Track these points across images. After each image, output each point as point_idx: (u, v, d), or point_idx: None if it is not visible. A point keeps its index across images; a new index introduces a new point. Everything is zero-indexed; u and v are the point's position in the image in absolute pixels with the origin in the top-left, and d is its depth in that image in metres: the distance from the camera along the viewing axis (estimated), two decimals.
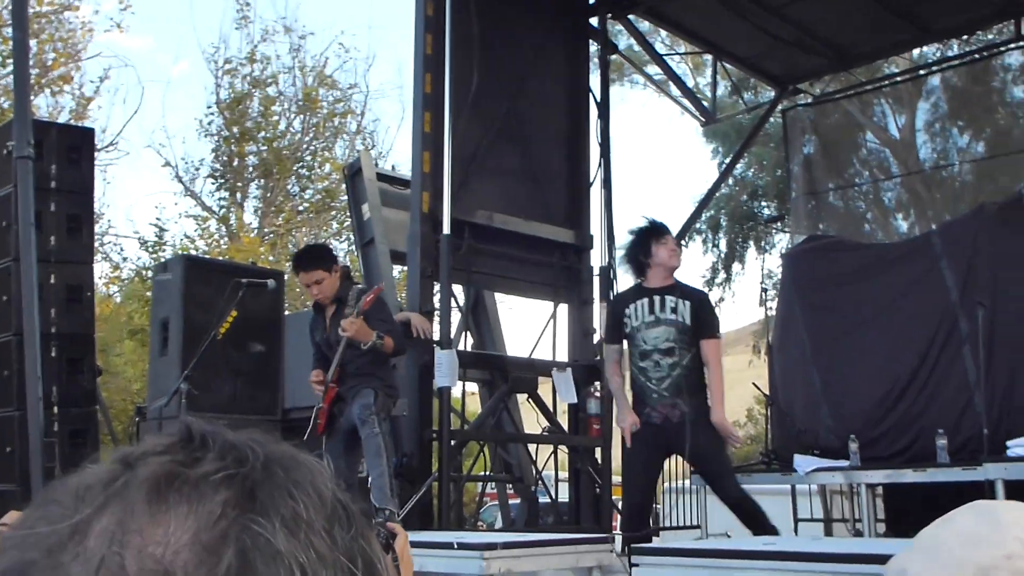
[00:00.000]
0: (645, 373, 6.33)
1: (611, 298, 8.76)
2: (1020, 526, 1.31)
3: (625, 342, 6.56)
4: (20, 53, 6.15)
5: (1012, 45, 11.77)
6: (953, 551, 1.28)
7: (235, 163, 24.00)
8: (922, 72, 13.60)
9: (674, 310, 6.30)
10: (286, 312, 9.09)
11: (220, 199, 24.38)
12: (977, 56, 12.42)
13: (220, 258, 19.21)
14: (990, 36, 12.66)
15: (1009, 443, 6.33)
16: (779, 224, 12.98)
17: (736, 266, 23.36)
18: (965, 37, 12.62)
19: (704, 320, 6.33)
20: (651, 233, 6.48)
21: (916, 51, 14.48)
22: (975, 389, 7.06)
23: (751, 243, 23.12)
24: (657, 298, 6.36)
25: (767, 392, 9.08)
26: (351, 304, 6.43)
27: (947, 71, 13.24)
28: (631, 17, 10.87)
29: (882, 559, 3.08)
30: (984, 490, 6.12)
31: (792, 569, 3.15)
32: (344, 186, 13.48)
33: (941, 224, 9.21)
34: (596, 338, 8.94)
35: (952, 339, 7.50)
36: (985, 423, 6.46)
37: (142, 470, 0.74)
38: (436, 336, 7.75)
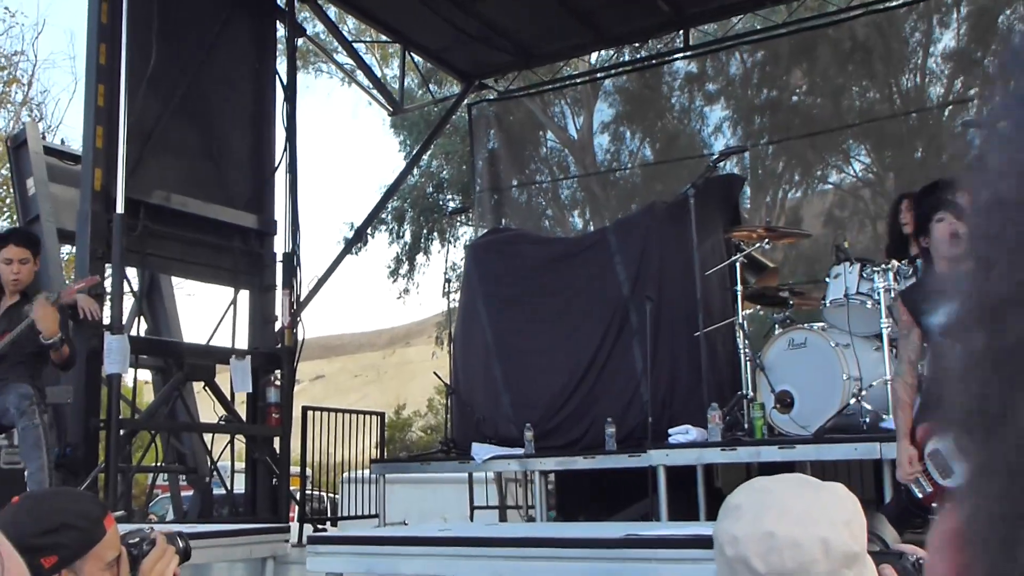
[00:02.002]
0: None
1: (293, 285, 8.67)
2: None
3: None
4: None
5: (679, 55, 12.56)
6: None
7: None
8: (599, 76, 14.23)
9: None
10: None
11: None
12: (647, 64, 13.13)
13: None
14: (660, 45, 13.40)
15: (670, 431, 6.71)
16: (463, 216, 13.25)
17: (420, 257, 23.61)
18: (637, 44, 13.30)
19: None
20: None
21: (595, 55, 15.15)
22: (641, 379, 7.45)
23: (435, 235, 23.45)
24: None
25: (448, 382, 9.22)
26: (39, 299, 5.99)
27: (622, 76, 13.93)
28: (319, 1, 10.75)
29: (549, 542, 3.22)
30: (647, 476, 6.48)
31: (464, 554, 3.21)
32: (7, 159, 12.57)
33: (615, 221, 9.66)
34: (277, 325, 8.81)
35: (624, 332, 7.87)
36: (650, 412, 6.83)
37: None
38: (106, 320, 7.36)
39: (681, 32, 11.79)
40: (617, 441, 7.07)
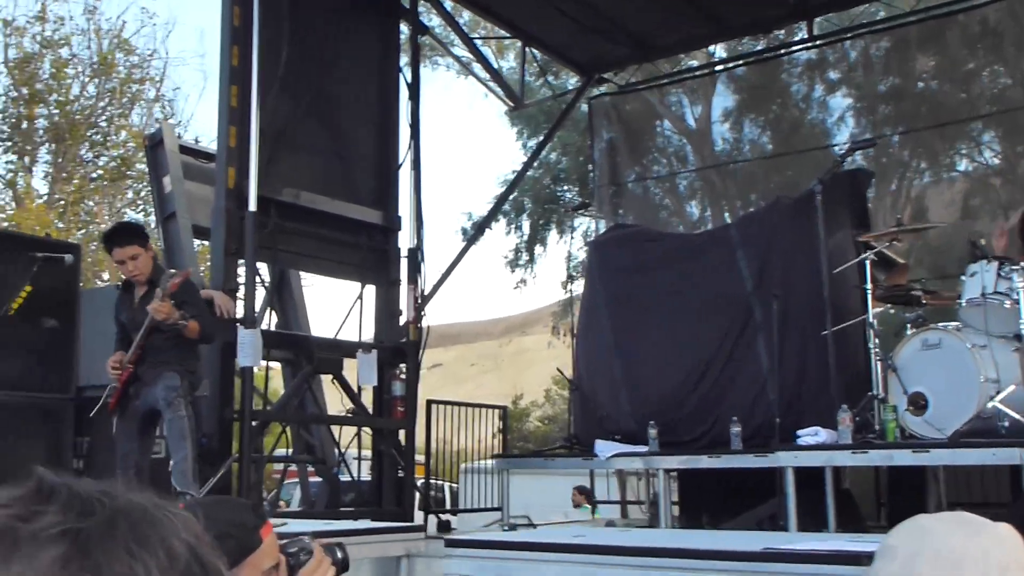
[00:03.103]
0: None
1: (417, 280, 8.77)
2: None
3: None
4: None
5: (802, 46, 12.31)
6: None
7: (24, 125, 22.79)
8: (719, 69, 14.05)
9: None
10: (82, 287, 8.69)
11: (7, 162, 23.19)
12: (769, 56, 12.91)
13: (11, 229, 18.19)
14: (781, 34, 13.17)
15: (799, 432, 6.60)
16: (586, 209, 13.23)
17: (538, 248, 23.67)
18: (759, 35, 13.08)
19: None
20: None
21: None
22: (768, 378, 7.34)
23: (553, 226, 23.47)
24: None
25: (570, 377, 9.22)
26: (164, 285, 6.19)
27: (741, 66, 13.73)
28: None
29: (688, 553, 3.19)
30: (773, 476, 6.39)
31: (600, 563, 3.21)
32: (144, 156, 12.97)
33: (739, 217, 9.54)
34: (402, 319, 8.91)
35: (747, 328, 7.78)
36: (777, 411, 6.72)
37: None
38: (239, 315, 7.54)
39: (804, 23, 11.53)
40: (742, 440, 6.98)
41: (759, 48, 13.50)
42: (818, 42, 11.81)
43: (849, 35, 11.74)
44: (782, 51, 12.74)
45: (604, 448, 7.75)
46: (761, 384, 7.49)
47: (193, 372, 6.45)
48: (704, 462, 7.06)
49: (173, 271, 6.39)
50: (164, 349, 6.31)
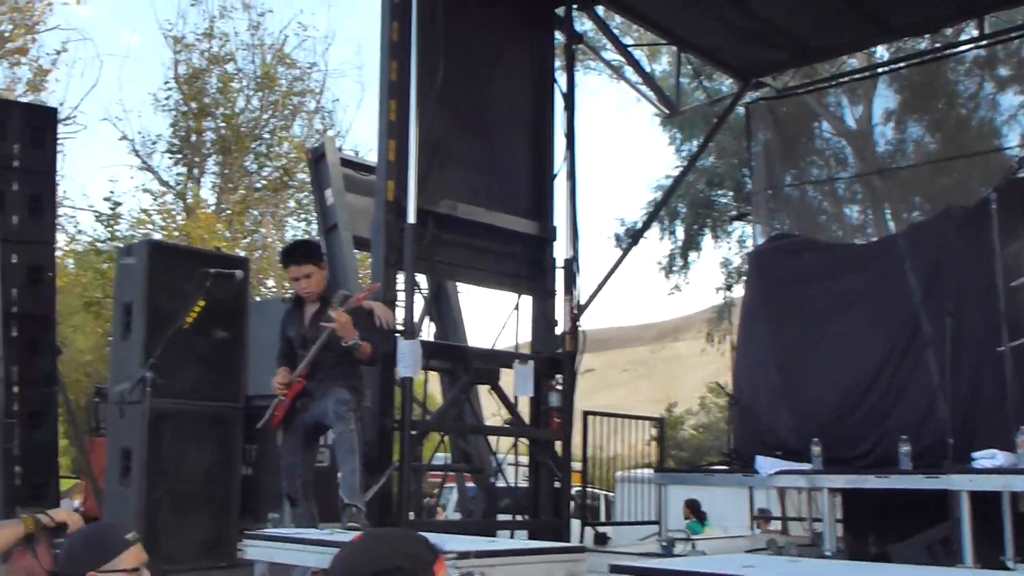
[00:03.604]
0: None
1: (573, 291, 8.73)
2: None
3: None
4: None
5: (972, 45, 11.81)
6: None
7: (193, 139, 23.69)
8: (881, 71, 13.62)
9: None
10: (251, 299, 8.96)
11: (177, 174, 24.13)
12: (938, 55, 12.44)
13: (184, 242, 18.92)
14: (947, 31, 12.68)
15: (975, 455, 6.30)
16: (743, 218, 13.01)
17: (692, 253, 23.41)
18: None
19: None
20: None
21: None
22: (938, 394, 7.05)
23: (708, 231, 23.17)
24: None
25: (730, 391, 9.05)
26: (335, 304, 6.32)
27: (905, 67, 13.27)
28: (596, 8, 10.75)
29: None
30: (947, 498, 6.12)
31: None
32: (306, 166, 13.30)
33: (907, 226, 9.19)
34: (558, 330, 8.88)
35: (915, 342, 7.48)
36: (949, 431, 6.44)
37: None
38: (399, 325, 7.63)
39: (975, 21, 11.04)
40: (912, 460, 6.71)
41: (923, 46, 13.02)
42: (988, 40, 11.29)
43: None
44: (948, 50, 12.23)
45: (766, 465, 7.56)
46: (931, 401, 7.19)
47: (358, 389, 6.56)
48: (871, 482, 6.81)
49: (347, 292, 6.51)
50: (331, 366, 6.45)
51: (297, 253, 6.71)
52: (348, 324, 6.23)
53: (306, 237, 20.44)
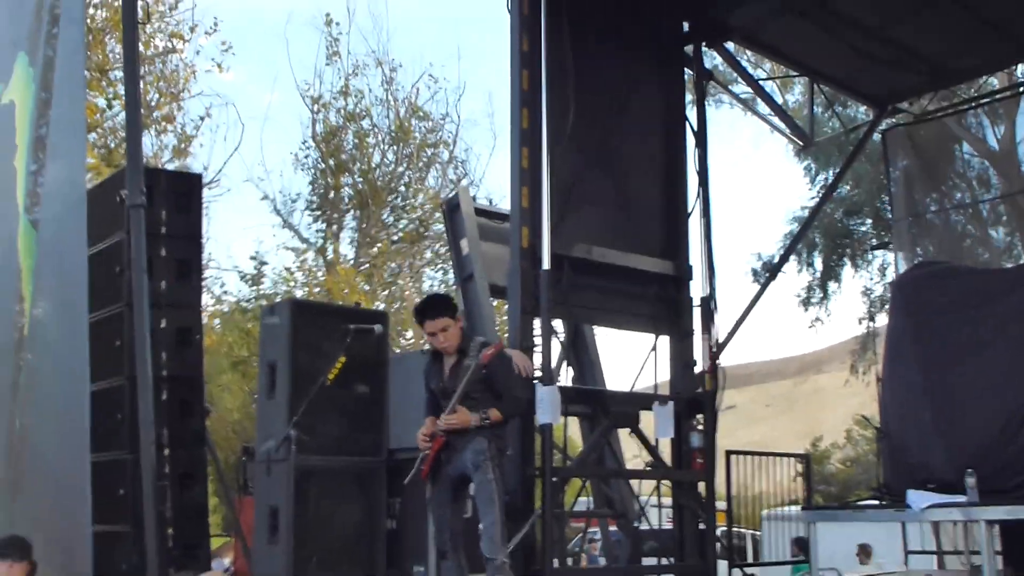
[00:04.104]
0: None
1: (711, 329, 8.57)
2: None
3: None
4: (132, 105, 6.41)
5: None
6: None
7: (331, 195, 24.26)
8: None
9: None
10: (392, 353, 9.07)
11: (317, 231, 24.76)
12: None
13: (326, 299, 19.33)
14: None
15: None
16: (884, 247, 12.68)
17: (832, 284, 22.86)
18: None
19: None
20: None
21: None
22: None
23: (847, 261, 22.61)
24: None
25: (878, 424, 8.75)
26: (472, 355, 6.33)
27: None
28: (726, 45, 10.63)
29: None
30: None
31: None
32: (442, 218, 13.45)
33: None
34: (697, 369, 8.72)
35: None
36: None
37: None
38: (537, 372, 7.59)
39: None
40: None
41: None
42: None
43: None
44: None
45: (918, 499, 7.28)
46: None
47: (500, 437, 6.53)
48: None
49: (484, 339, 6.50)
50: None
51: (431, 308, 6.73)
52: (463, 421, 6.25)
53: (439, 292, 20.67)
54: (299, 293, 21.24)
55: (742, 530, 14.66)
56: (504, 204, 10.27)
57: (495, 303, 11.03)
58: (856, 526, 12.61)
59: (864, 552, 12.22)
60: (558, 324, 9.13)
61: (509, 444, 6.81)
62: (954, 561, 9.21)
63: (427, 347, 6.97)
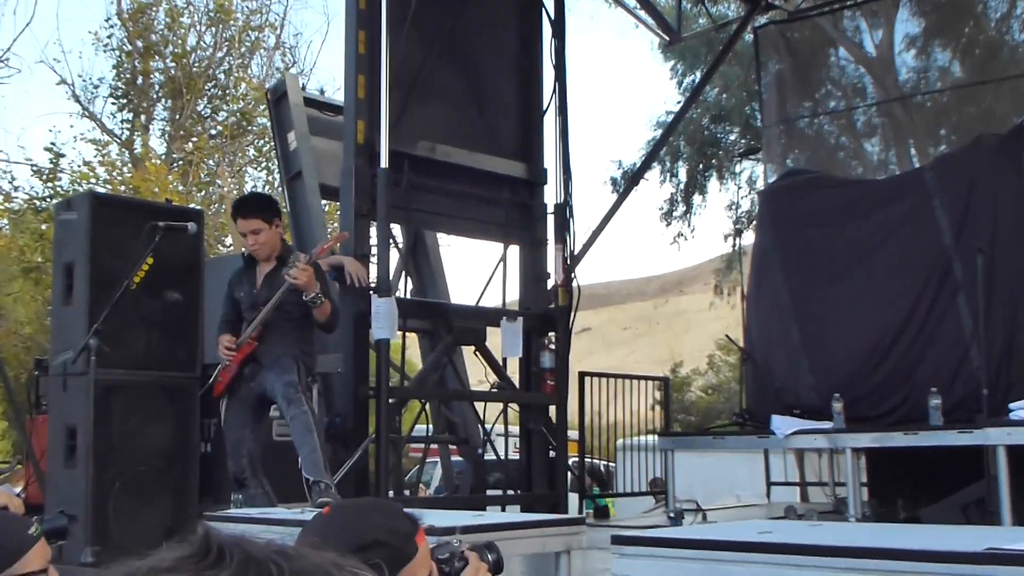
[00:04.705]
0: None
1: (566, 239, 8.66)
2: None
3: None
4: None
5: None
6: None
7: (139, 81, 23.50)
8: None
9: None
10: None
11: (123, 121, 23.97)
12: None
13: (132, 196, 18.79)
14: None
15: (1012, 405, 6.32)
16: (752, 154, 12.95)
17: (696, 197, 23.34)
18: None
19: None
20: None
21: None
22: (971, 342, 7.05)
23: (713, 172, 23.10)
24: None
25: (742, 345, 9.04)
26: (290, 266, 6.24)
27: None
28: None
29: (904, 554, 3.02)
30: (982, 456, 6.13)
31: (792, 564, 3.08)
32: (266, 110, 13.16)
33: (934, 159, 9.15)
34: (550, 283, 8.83)
35: (946, 286, 7.47)
36: (984, 381, 6.44)
37: None
38: (372, 282, 7.57)
39: None
40: (943, 414, 6.71)
41: None
42: None
43: None
44: None
45: (782, 425, 7.57)
46: (963, 351, 7.19)
47: (309, 354, 6.53)
48: (899, 440, 6.82)
49: (306, 255, 6.42)
50: (284, 331, 6.40)
51: (244, 206, 6.67)
52: (312, 275, 6.16)
53: (260, 191, 20.34)
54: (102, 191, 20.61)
55: (595, 461, 15.02)
56: (338, 96, 10.10)
57: (326, 206, 10.92)
58: (716, 456, 13.08)
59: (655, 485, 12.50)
60: (397, 230, 9.12)
61: (316, 360, 6.81)
62: (818, 493, 9.61)
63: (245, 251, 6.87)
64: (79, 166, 22.29)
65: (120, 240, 6.95)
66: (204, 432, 7.55)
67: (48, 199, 21.35)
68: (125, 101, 23.70)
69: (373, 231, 7.86)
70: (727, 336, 9.96)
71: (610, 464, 13.81)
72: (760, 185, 15.34)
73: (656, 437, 10.01)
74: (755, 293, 8.93)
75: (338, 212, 9.81)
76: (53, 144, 22.44)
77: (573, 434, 10.74)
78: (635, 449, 10.96)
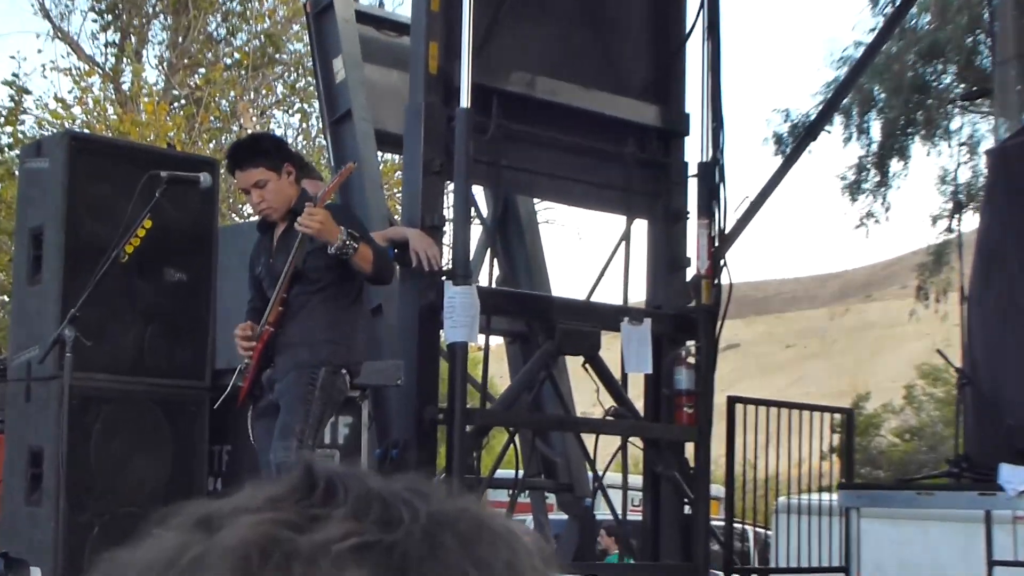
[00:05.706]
0: None
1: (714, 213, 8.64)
2: None
3: None
4: None
5: None
6: None
7: None
8: None
9: None
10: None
11: (107, 44, 24.32)
12: None
13: (122, 138, 19.13)
14: None
15: None
16: (974, 103, 12.83)
17: (896, 163, 23.11)
18: None
19: None
20: None
21: None
22: None
23: (920, 128, 22.84)
24: None
25: (958, 364, 8.97)
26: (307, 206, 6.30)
27: None
28: None
29: None
30: None
31: None
32: (303, 29, 13.26)
33: None
34: (691, 273, 8.81)
35: None
36: None
37: (227, 537, 0.73)
38: (446, 265, 7.64)
39: None
40: None
41: None
42: None
43: None
44: None
45: (1015, 477, 7.50)
46: None
47: (341, 341, 6.56)
48: None
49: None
50: (309, 308, 6.45)
51: (239, 153, 6.75)
52: (327, 217, 6.22)
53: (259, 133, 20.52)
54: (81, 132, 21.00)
55: (745, 526, 14.98)
56: (403, 9, 10.20)
57: (383, 159, 10.99)
58: (917, 524, 12.91)
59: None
60: (480, 194, 9.19)
61: (366, 355, 6.87)
62: None
63: None
64: (49, 105, 22.72)
65: (106, 197, 7.08)
66: (214, 463, 7.65)
67: (6, 149, 21.79)
68: (111, 17, 24.07)
69: (449, 195, 7.93)
70: (938, 352, 9.83)
71: (767, 531, 13.78)
72: (989, 144, 15.20)
73: (832, 494, 9.96)
74: (980, 295, 8.86)
75: (398, 170, 9.86)
76: (16, 76, 22.93)
77: (717, 489, 10.69)
78: (801, 512, 10.90)
